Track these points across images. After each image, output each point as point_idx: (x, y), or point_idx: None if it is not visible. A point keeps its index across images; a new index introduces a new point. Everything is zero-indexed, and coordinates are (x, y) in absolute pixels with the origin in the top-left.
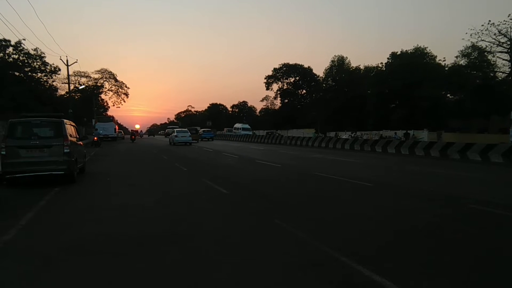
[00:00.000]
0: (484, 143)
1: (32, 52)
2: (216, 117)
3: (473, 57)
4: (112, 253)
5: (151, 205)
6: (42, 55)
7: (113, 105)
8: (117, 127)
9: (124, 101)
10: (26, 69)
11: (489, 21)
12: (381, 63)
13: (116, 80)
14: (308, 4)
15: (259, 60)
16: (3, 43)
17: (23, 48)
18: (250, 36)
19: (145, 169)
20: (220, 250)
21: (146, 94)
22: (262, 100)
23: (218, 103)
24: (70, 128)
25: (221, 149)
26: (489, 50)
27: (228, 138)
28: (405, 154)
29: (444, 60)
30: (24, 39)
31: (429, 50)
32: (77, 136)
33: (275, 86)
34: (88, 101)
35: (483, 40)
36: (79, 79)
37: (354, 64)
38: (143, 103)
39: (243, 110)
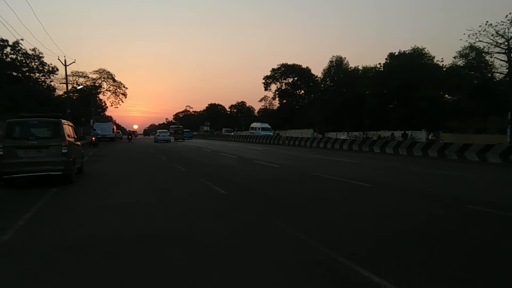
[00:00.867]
0: (482, 144)
1: (30, 52)
2: (214, 118)
3: (471, 57)
4: (111, 253)
5: (150, 205)
6: (40, 55)
7: (111, 105)
8: (115, 127)
9: (122, 101)
10: (24, 69)
11: (487, 22)
12: (379, 63)
13: (114, 80)
14: (306, 4)
15: (258, 60)
16: (1, 43)
17: (21, 48)
18: (248, 37)
19: (144, 169)
20: (219, 250)
21: (144, 94)
22: (260, 101)
23: (217, 103)
24: (68, 128)
25: (219, 149)
26: (486, 50)
27: (226, 139)
28: (403, 155)
29: (442, 61)
30: (22, 39)
31: (427, 50)
32: (75, 137)
33: (273, 87)
34: (86, 101)
35: (480, 41)
36: (77, 79)
37: (352, 64)
38: (141, 103)
39: (241, 110)
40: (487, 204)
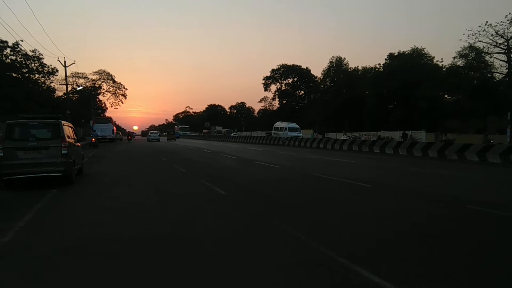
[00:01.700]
0: (481, 144)
1: (29, 53)
2: (214, 118)
3: (470, 58)
4: (111, 254)
5: (150, 206)
6: (40, 56)
7: (111, 106)
8: (115, 128)
9: (122, 102)
10: (23, 71)
11: (487, 22)
12: (379, 64)
13: (114, 81)
14: (305, 4)
15: (257, 61)
16: (1, 44)
17: (21, 49)
18: (248, 37)
19: (144, 170)
20: (219, 250)
21: (144, 95)
22: (260, 101)
23: (216, 104)
24: (68, 129)
25: (219, 150)
26: (486, 51)
27: (226, 139)
28: (403, 155)
29: (441, 61)
30: (22, 40)
31: (427, 51)
32: (75, 138)
33: (273, 87)
34: (86, 102)
35: (480, 41)
36: (77, 80)
37: (352, 65)
38: (141, 104)
39: (241, 111)
40: (487, 204)
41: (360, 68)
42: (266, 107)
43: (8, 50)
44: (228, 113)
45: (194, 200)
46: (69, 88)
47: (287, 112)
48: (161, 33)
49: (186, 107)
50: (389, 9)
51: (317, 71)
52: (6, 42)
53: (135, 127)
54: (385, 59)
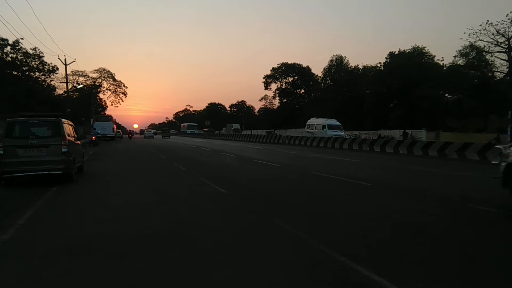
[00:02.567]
0: (482, 143)
1: (30, 51)
2: (214, 117)
3: (471, 56)
4: (112, 253)
5: (150, 204)
6: (40, 54)
7: (111, 105)
8: (115, 126)
9: (122, 101)
10: (24, 68)
11: (487, 21)
12: (380, 62)
13: (114, 79)
14: (306, 3)
15: (258, 59)
16: (1, 42)
17: (21, 47)
18: (248, 36)
19: (144, 168)
20: (219, 249)
21: (145, 93)
22: (260, 100)
23: (217, 102)
24: (68, 127)
25: (219, 148)
26: (487, 50)
27: (226, 138)
28: (403, 154)
29: (442, 60)
30: (22, 38)
31: (427, 49)
32: (75, 136)
33: (273, 86)
34: (86, 100)
35: (481, 40)
36: (77, 78)
37: (352, 64)
38: (142, 102)
39: (241, 109)
40: (488, 203)
41: (360, 67)
42: (266, 105)
43: (8, 48)
44: (229, 111)
45: (194, 199)
46: (70, 86)
47: (288, 110)
48: (161, 31)
49: (187, 105)
50: (389, 8)
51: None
52: (7, 40)
53: (136, 126)
54: (386, 58)
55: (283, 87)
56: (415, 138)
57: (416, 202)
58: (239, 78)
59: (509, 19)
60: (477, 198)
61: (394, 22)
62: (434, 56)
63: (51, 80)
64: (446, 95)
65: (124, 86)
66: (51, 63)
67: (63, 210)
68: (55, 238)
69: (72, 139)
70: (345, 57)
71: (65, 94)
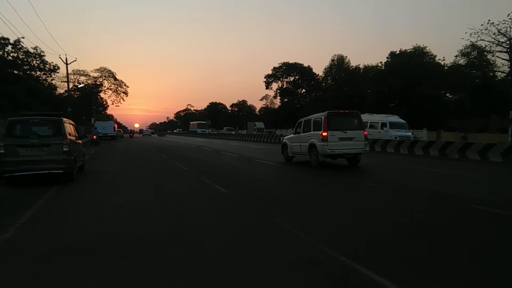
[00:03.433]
0: (483, 143)
1: (31, 50)
2: (215, 116)
3: (472, 56)
4: (113, 252)
5: (151, 204)
6: (41, 53)
7: (112, 104)
8: (116, 126)
9: (124, 100)
10: (25, 68)
11: (489, 20)
12: (381, 62)
13: (115, 79)
14: (307, 2)
15: (259, 59)
16: (2, 41)
17: (22, 46)
18: (249, 35)
19: (144, 167)
20: (220, 249)
21: (145, 93)
22: (261, 99)
23: (218, 102)
24: (69, 126)
25: (220, 148)
26: (488, 49)
27: (227, 137)
28: (404, 154)
29: (443, 60)
30: (23, 37)
31: (429, 49)
32: (76, 135)
33: (274, 85)
34: (87, 99)
35: (482, 40)
36: (78, 78)
37: (353, 63)
38: (143, 102)
39: (242, 109)
40: (489, 203)
41: (361, 66)
42: (267, 105)
43: (9, 47)
44: (229, 111)
45: (195, 198)
46: (71, 85)
47: (289, 110)
48: (162, 31)
49: (188, 104)
50: (391, 7)
51: (319, 69)
52: (8, 39)
53: (137, 125)
54: (387, 58)
55: (284, 86)
56: (416, 138)
57: (417, 201)
58: (240, 77)
59: (510, 19)
60: (479, 198)
61: (395, 22)
62: (435, 56)
63: (52, 79)
64: (448, 95)
65: (125, 85)
66: (52, 62)
67: (64, 209)
68: (56, 237)
69: (73, 138)
70: (346, 56)
71: (66, 94)
